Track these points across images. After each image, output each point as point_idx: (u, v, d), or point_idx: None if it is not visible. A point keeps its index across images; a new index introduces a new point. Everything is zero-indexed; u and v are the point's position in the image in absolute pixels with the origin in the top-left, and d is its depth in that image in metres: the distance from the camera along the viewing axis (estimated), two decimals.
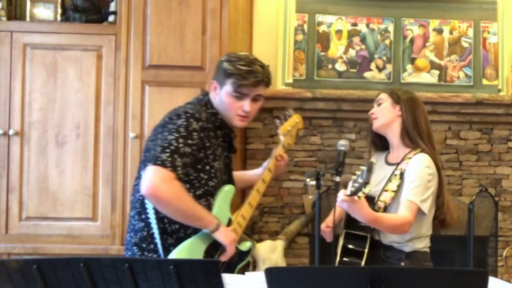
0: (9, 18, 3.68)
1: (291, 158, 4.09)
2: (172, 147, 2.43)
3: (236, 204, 2.75)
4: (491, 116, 4.11)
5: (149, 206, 2.54)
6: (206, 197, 2.57)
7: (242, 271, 2.40)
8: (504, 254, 4.11)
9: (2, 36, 3.56)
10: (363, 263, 2.78)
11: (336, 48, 4.19)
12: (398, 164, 2.86)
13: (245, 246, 2.70)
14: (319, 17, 4.20)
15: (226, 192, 2.64)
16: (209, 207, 2.58)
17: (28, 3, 3.73)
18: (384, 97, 2.94)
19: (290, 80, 4.11)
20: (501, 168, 4.17)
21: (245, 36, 4.08)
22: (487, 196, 4.12)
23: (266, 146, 4.05)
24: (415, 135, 2.87)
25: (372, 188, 2.84)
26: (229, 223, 2.62)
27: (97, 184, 3.55)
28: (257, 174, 2.86)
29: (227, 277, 1.80)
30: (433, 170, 2.82)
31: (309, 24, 4.18)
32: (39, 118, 3.55)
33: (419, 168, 2.79)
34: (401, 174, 2.82)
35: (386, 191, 2.82)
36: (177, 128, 2.47)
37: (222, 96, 2.58)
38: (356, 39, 4.20)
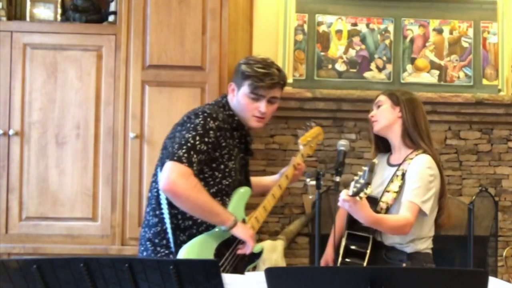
0: (9, 18, 3.68)
1: (291, 158, 4.09)
2: (189, 144, 2.50)
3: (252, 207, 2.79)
4: (491, 116, 4.11)
5: (164, 202, 2.59)
6: (221, 197, 2.63)
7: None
8: (504, 254, 4.11)
9: (2, 36, 3.56)
10: (365, 264, 2.78)
11: (336, 48, 4.19)
12: (399, 165, 2.86)
13: (257, 248, 2.74)
14: (319, 17, 4.20)
15: (242, 194, 2.70)
16: (223, 206, 2.63)
17: (28, 3, 3.73)
18: (383, 99, 2.93)
19: (290, 80, 4.10)
20: (501, 168, 4.17)
21: (245, 36, 4.08)
22: (487, 196, 4.12)
23: (266, 146, 4.06)
24: (416, 135, 2.87)
25: (374, 189, 2.85)
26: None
27: (97, 184, 3.55)
28: (274, 181, 2.91)
29: (227, 277, 1.80)
30: (435, 171, 2.82)
31: (309, 24, 4.18)
32: (39, 118, 3.55)
33: (420, 169, 2.79)
34: (403, 175, 2.82)
35: (388, 191, 2.82)
36: (195, 126, 2.54)
37: (239, 97, 2.65)
38: (356, 39, 4.20)
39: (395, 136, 2.91)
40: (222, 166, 2.61)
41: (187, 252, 2.53)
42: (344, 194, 2.55)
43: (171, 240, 2.59)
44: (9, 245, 3.52)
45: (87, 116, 3.56)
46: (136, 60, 3.55)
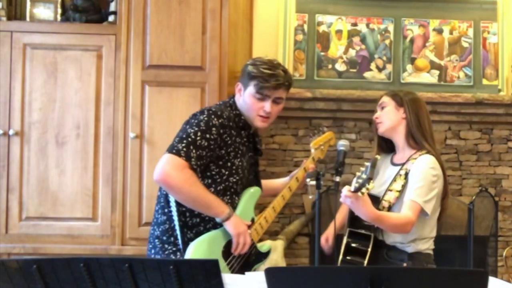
0: (9, 18, 3.68)
1: (291, 158, 4.10)
2: (189, 139, 2.55)
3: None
4: (491, 116, 4.11)
5: (172, 200, 2.64)
6: (230, 195, 2.67)
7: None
8: (504, 254, 4.11)
9: (2, 36, 3.55)
10: (365, 262, 2.79)
11: (336, 48, 4.19)
12: (403, 164, 2.87)
13: (264, 247, 2.80)
14: (319, 17, 4.20)
15: (252, 194, 2.76)
16: (233, 205, 2.68)
17: (28, 3, 3.73)
18: (387, 100, 2.94)
19: None
20: (501, 168, 4.17)
21: (245, 36, 4.08)
22: (487, 196, 4.12)
23: (266, 146, 4.05)
24: (420, 136, 2.88)
25: (377, 188, 2.86)
26: (252, 223, 2.72)
27: (97, 184, 3.55)
28: (284, 183, 2.95)
29: (227, 277, 1.80)
30: (438, 172, 2.83)
31: (309, 24, 4.18)
32: (39, 118, 3.55)
33: (424, 169, 2.79)
34: (406, 174, 2.82)
35: (391, 190, 2.82)
36: (198, 122, 2.60)
37: (245, 97, 2.71)
38: (356, 39, 4.20)
39: (399, 137, 2.92)
40: (228, 164, 2.65)
41: (195, 249, 2.56)
42: (346, 190, 2.56)
43: (179, 237, 2.63)
44: (9, 245, 3.52)
45: (87, 116, 3.56)
46: (136, 60, 3.55)
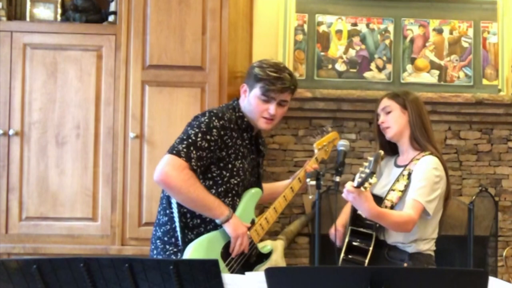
0: (9, 18, 3.68)
1: (291, 158, 4.10)
2: (190, 140, 2.57)
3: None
4: (491, 116, 4.11)
5: (174, 201, 2.64)
6: (232, 197, 2.68)
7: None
8: (504, 254, 4.11)
9: (2, 36, 3.55)
10: (366, 261, 2.79)
11: (336, 48, 4.19)
12: (406, 165, 2.87)
13: (266, 248, 2.82)
14: (319, 17, 4.20)
15: (252, 195, 2.76)
16: (233, 207, 2.69)
17: (28, 3, 3.73)
18: (390, 104, 2.93)
19: None
20: (501, 168, 4.17)
21: (245, 36, 4.08)
22: (487, 196, 4.12)
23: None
24: (423, 137, 2.89)
25: (381, 189, 2.87)
26: (252, 224, 2.73)
27: (97, 184, 3.55)
28: (287, 185, 2.95)
29: (227, 277, 1.80)
30: (441, 173, 2.83)
31: (309, 24, 4.18)
32: (39, 118, 3.55)
33: (426, 169, 2.80)
34: (409, 175, 2.83)
35: (394, 190, 2.83)
36: (199, 124, 2.61)
37: (250, 98, 2.71)
38: (356, 39, 4.20)
39: (404, 140, 2.93)
40: (229, 166, 2.66)
41: (193, 250, 2.57)
42: (349, 185, 2.56)
43: (179, 238, 2.64)
44: (9, 245, 3.52)
45: (87, 116, 3.56)
46: (136, 60, 3.55)
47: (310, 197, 2.76)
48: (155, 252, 2.71)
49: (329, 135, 3.12)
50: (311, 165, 2.95)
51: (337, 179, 2.69)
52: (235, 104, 2.77)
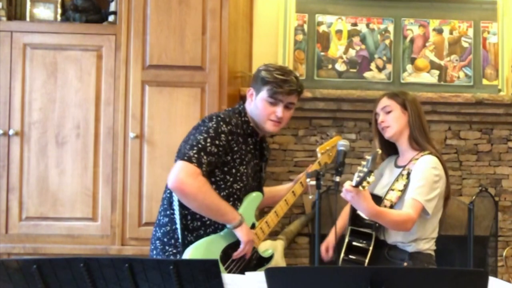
0: (9, 18, 3.69)
1: (291, 158, 4.10)
2: (199, 145, 2.57)
3: None
4: (491, 116, 4.11)
5: (176, 203, 2.65)
6: (233, 201, 2.69)
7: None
8: (504, 254, 4.11)
9: (2, 36, 3.55)
10: (366, 261, 2.79)
11: (336, 48, 4.19)
12: (405, 165, 2.88)
13: (267, 252, 2.84)
14: (319, 17, 4.20)
15: (253, 198, 2.77)
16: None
17: (28, 3, 3.73)
18: (390, 103, 2.94)
19: None
20: (501, 168, 4.17)
21: (245, 36, 4.08)
22: (487, 196, 4.12)
23: None
24: (422, 137, 2.91)
25: (381, 189, 2.88)
26: (253, 228, 2.74)
27: (97, 184, 3.55)
28: (288, 189, 2.97)
29: (227, 277, 1.80)
30: (440, 172, 2.84)
31: (309, 24, 4.18)
32: (39, 118, 3.55)
33: (425, 168, 2.80)
34: (408, 174, 2.83)
35: (393, 190, 2.83)
36: (207, 129, 2.62)
37: (257, 101, 2.73)
38: (356, 39, 4.20)
39: (403, 140, 2.94)
40: (233, 170, 2.67)
41: (193, 252, 2.58)
42: (347, 185, 2.57)
43: (179, 239, 2.64)
44: (9, 245, 3.52)
45: (87, 116, 3.56)
46: (136, 60, 3.55)
47: (310, 197, 2.76)
48: (154, 252, 2.72)
49: (333, 140, 3.13)
50: (313, 169, 2.94)
51: (337, 179, 2.69)
52: (241, 108, 2.78)
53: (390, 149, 3.03)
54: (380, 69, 4.19)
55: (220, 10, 3.55)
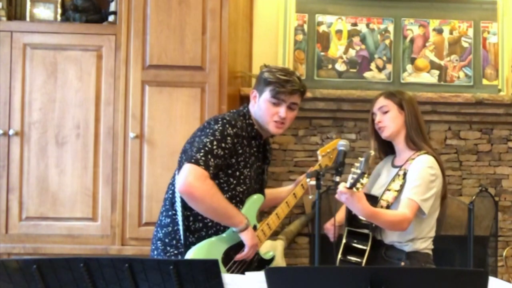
0: (9, 18, 3.68)
1: (291, 158, 4.10)
2: (206, 148, 2.57)
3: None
4: (491, 116, 4.11)
5: (178, 204, 2.66)
6: (236, 203, 2.69)
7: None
8: (504, 254, 4.11)
9: (2, 36, 3.55)
10: (364, 261, 2.79)
11: (336, 48, 4.19)
12: (402, 165, 2.88)
13: (268, 255, 2.84)
14: (319, 17, 4.20)
15: (255, 200, 2.77)
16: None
17: (28, 3, 3.73)
18: (387, 103, 2.94)
19: None
20: (501, 168, 4.17)
21: (245, 36, 4.08)
22: (487, 196, 4.12)
23: None
24: (418, 137, 2.91)
25: (377, 190, 2.88)
26: (254, 230, 2.73)
27: (97, 184, 3.55)
28: (289, 191, 2.97)
29: (227, 277, 1.80)
30: (436, 171, 2.83)
31: (309, 24, 4.18)
32: (39, 118, 3.55)
33: (421, 168, 2.80)
34: (404, 174, 2.83)
35: (389, 190, 2.83)
36: (213, 132, 2.62)
37: (260, 103, 2.73)
38: (356, 39, 4.20)
39: (400, 140, 2.94)
40: (237, 173, 2.68)
41: (195, 253, 2.59)
42: (341, 186, 2.58)
43: (181, 240, 2.65)
44: (9, 245, 3.52)
45: (87, 116, 3.56)
46: (136, 60, 3.55)
47: (310, 197, 2.76)
48: (155, 252, 2.72)
49: (333, 142, 3.12)
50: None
51: (337, 179, 2.69)
52: (246, 110, 2.78)
53: (387, 148, 3.03)
54: (380, 69, 4.19)
55: (220, 10, 3.55)
